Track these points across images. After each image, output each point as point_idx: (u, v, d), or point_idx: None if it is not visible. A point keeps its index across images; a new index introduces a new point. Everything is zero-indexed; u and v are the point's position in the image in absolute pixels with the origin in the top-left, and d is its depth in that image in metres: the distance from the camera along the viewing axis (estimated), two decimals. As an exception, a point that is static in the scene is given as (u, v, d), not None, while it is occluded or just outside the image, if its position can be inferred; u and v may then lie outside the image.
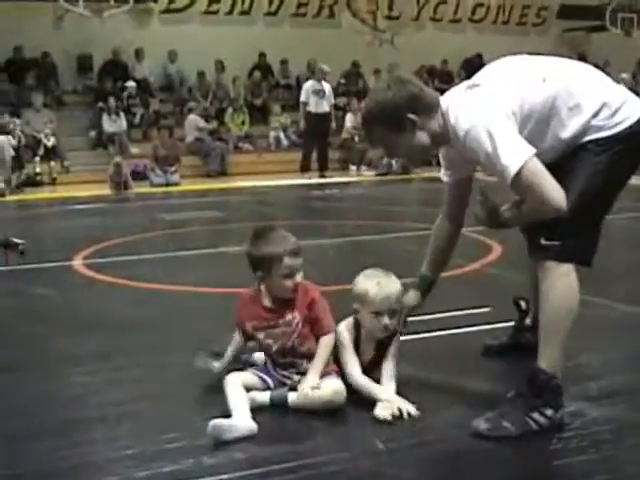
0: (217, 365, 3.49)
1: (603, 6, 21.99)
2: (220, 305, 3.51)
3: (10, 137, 14.26)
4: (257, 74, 19.31)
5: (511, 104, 3.05)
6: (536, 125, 3.08)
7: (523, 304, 3.88)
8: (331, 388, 3.19)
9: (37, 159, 15.07)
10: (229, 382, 3.24)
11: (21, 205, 12.79)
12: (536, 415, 2.99)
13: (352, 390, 3.26)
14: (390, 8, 21.38)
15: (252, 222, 9.91)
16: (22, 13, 16.82)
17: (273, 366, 3.39)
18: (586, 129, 3.05)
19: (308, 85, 15.66)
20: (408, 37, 20.69)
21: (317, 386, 3.19)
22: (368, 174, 16.24)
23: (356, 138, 16.91)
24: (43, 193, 14.13)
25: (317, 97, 15.54)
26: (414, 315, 3.71)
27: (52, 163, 15.37)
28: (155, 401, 3.43)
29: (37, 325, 4.86)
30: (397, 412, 3.09)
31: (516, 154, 2.93)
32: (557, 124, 3.08)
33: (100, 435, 3.09)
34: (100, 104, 16.90)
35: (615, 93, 3.12)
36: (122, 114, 16.77)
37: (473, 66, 20.63)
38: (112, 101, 16.66)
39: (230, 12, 19.88)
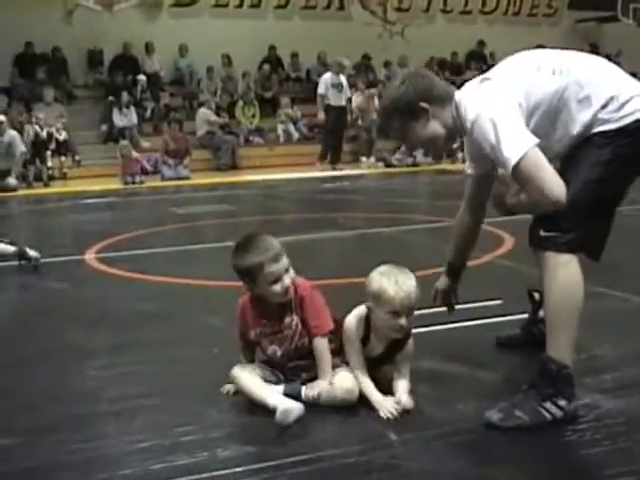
0: None
1: (615, -4, 21.91)
2: (232, 299, 3.49)
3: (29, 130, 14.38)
4: (267, 67, 19.29)
5: (518, 96, 3.07)
6: (545, 117, 3.09)
7: (537, 296, 3.86)
8: (343, 388, 3.17)
9: (49, 153, 15.10)
10: (243, 375, 3.24)
11: (33, 200, 12.81)
12: (548, 404, 2.98)
13: None
14: (400, 0, 21.33)
15: (263, 215, 9.95)
16: (32, 8, 16.83)
17: (282, 373, 3.34)
18: (594, 121, 3.04)
19: (327, 78, 15.63)
20: (418, 29, 20.64)
21: (329, 384, 3.18)
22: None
23: (360, 121, 16.92)
24: (55, 187, 14.17)
25: (336, 90, 15.53)
26: (449, 303, 3.81)
27: (63, 158, 15.41)
28: (168, 394, 3.43)
29: (50, 319, 4.88)
30: (394, 413, 3.06)
31: (517, 145, 2.95)
32: (566, 116, 3.08)
33: (114, 429, 3.10)
34: (111, 98, 16.93)
35: (626, 86, 3.10)
36: (133, 108, 16.80)
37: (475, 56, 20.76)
38: (125, 95, 16.71)
39: (240, 5, 19.86)
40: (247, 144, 17.47)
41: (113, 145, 16.29)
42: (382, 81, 19.35)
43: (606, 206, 3.14)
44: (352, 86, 16.58)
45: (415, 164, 16.06)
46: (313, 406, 3.15)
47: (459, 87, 3.37)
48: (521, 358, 3.76)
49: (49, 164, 15.00)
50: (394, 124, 3.27)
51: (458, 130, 3.26)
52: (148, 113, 17.61)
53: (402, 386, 3.23)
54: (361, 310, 3.30)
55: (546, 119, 3.08)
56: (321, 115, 15.85)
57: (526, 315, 3.95)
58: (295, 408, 3.05)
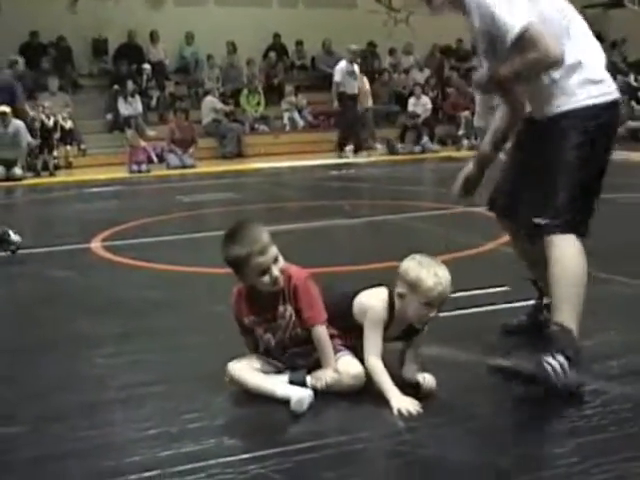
0: None
1: (621, -18, 21.77)
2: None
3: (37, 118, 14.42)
4: (272, 55, 19.26)
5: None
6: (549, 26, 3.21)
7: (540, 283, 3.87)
8: (350, 374, 3.16)
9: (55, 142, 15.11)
10: (242, 370, 3.22)
11: (39, 189, 12.82)
12: (551, 359, 3.06)
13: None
14: (405, -13, 21.23)
15: (268, 203, 9.94)
16: (37, -3, 16.85)
17: (280, 362, 3.31)
18: (573, 91, 3.26)
19: (342, 66, 15.57)
20: (423, 16, 20.52)
21: (335, 373, 3.17)
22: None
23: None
24: (60, 177, 14.18)
25: (351, 78, 15.50)
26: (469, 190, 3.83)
27: (68, 147, 15.42)
28: (175, 382, 3.44)
29: (56, 307, 4.89)
30: (413, 414, 3.01)
31: (522, 14, 3.13)
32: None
33: (121, 416, 3.11)
34: (116, 87, 16.93)
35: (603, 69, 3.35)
36: (138, 97, 16.79)
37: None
38: (130, 84, 16.70)
39: (244, -7, 19.81)
40: (252, 132, 17.46)
41: (118, 134, 16.31)
42: (387, 69, 19.32)
43: (590, 185, 3.32)
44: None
45: (423, 150, 16.05)
46: (320, 393, 3.14)
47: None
48: (527, 345, 3.76)
49: (54, 153, 15.01)
50: None
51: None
52: (153, 102, 17.60)
53: (412, 368, 3.24)
54: (384, 294, 3.25)
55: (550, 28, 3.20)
56: (335, 103, 15.76)
57: (532, 302, 3.96)
58: (307, 395, 3.06)
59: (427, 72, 19.51)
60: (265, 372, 3.28)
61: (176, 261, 5.99)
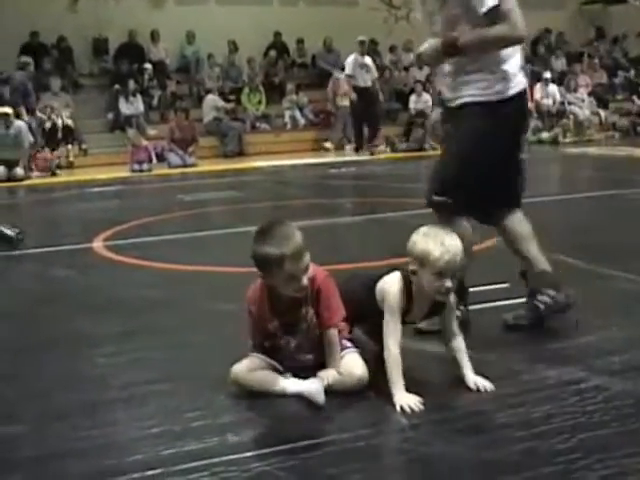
0: None
1: (621, -22, 21.75)
2: (240, 284, 3.49)
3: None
4: (273, 53, 19.25)
5: None
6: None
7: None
8: (354, 376, 3.15)
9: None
10: (245, 372, 3.20)
11: (41, 189, 12.82)
12: (539, 296, 3.69)
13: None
14: (405, -16, 21.20)
15: (270, 202, 9.94)
16: (37, -3, 16.84)
17: (280, 364, 3.25)
18: (493, 79, 3.58)
19: (353, 59, 15.54)
20: (423, 13, 20.50)
21: (339, 373, 3.17)
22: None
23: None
24: (62, 176, 14.18)
25: (363, 71, 15.45)
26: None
27: (70, 146, 15.42)
28: (177, 380, 3.44)
29: (58, 306, 4.89)
30: (415, 411, 2.98)
31: None
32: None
33: (124, 415, 3.10)
34: (117, 86, 16.92)
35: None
36: (139, 96, 16.79)
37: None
38: (131, 83, 16.70)
39: (245, -9, 19.80)
40: (253, 130, 17.45)
41: (120, 133, 16.30)
42: (388, 66, 19.30)
43: (488, 172, 3.71)
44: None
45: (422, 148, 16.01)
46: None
47: None
48: (529, 339, 3.76)
49: (56, 153, 15.01)
50: None
51: None
52: (155, 101, 17.59)
53: (468, 366, 3.22)
54: (399, 279, 3.21)
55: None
56: (353, 95, 15.66)
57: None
58: (320, 385, 3.05)
59: (427, 69, 19.49)
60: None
61: (178, 260, 5.99)
